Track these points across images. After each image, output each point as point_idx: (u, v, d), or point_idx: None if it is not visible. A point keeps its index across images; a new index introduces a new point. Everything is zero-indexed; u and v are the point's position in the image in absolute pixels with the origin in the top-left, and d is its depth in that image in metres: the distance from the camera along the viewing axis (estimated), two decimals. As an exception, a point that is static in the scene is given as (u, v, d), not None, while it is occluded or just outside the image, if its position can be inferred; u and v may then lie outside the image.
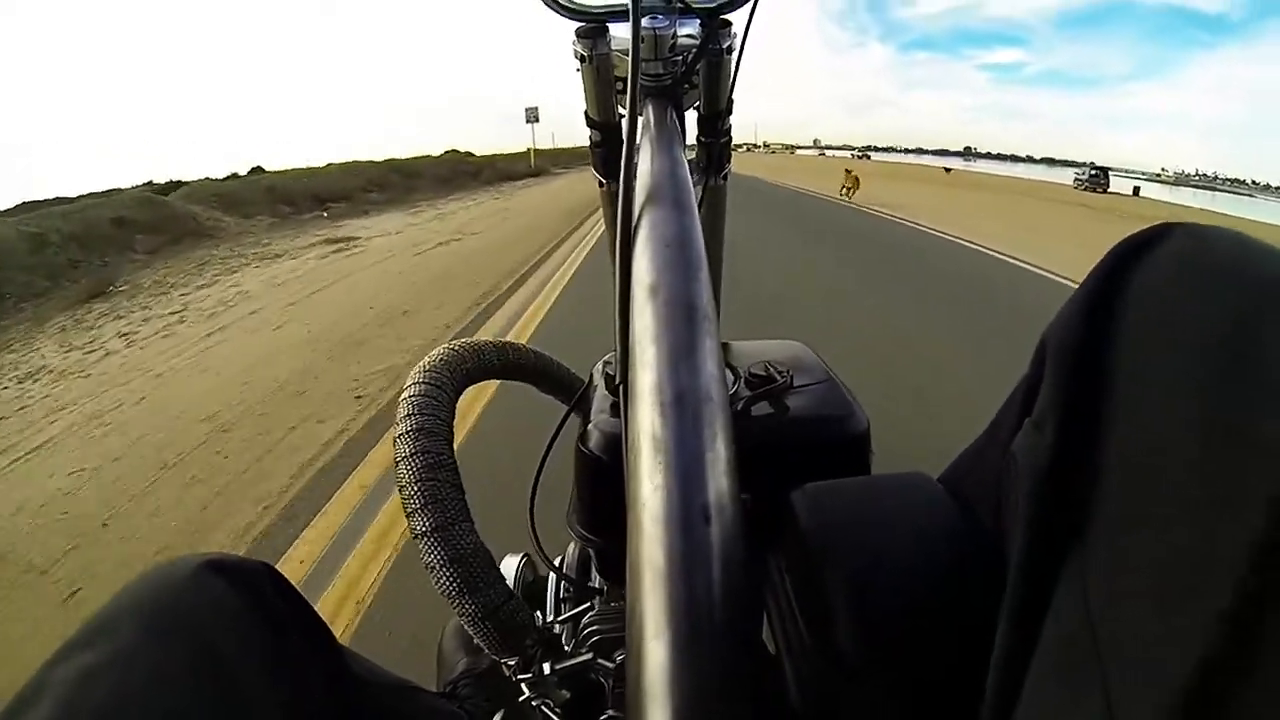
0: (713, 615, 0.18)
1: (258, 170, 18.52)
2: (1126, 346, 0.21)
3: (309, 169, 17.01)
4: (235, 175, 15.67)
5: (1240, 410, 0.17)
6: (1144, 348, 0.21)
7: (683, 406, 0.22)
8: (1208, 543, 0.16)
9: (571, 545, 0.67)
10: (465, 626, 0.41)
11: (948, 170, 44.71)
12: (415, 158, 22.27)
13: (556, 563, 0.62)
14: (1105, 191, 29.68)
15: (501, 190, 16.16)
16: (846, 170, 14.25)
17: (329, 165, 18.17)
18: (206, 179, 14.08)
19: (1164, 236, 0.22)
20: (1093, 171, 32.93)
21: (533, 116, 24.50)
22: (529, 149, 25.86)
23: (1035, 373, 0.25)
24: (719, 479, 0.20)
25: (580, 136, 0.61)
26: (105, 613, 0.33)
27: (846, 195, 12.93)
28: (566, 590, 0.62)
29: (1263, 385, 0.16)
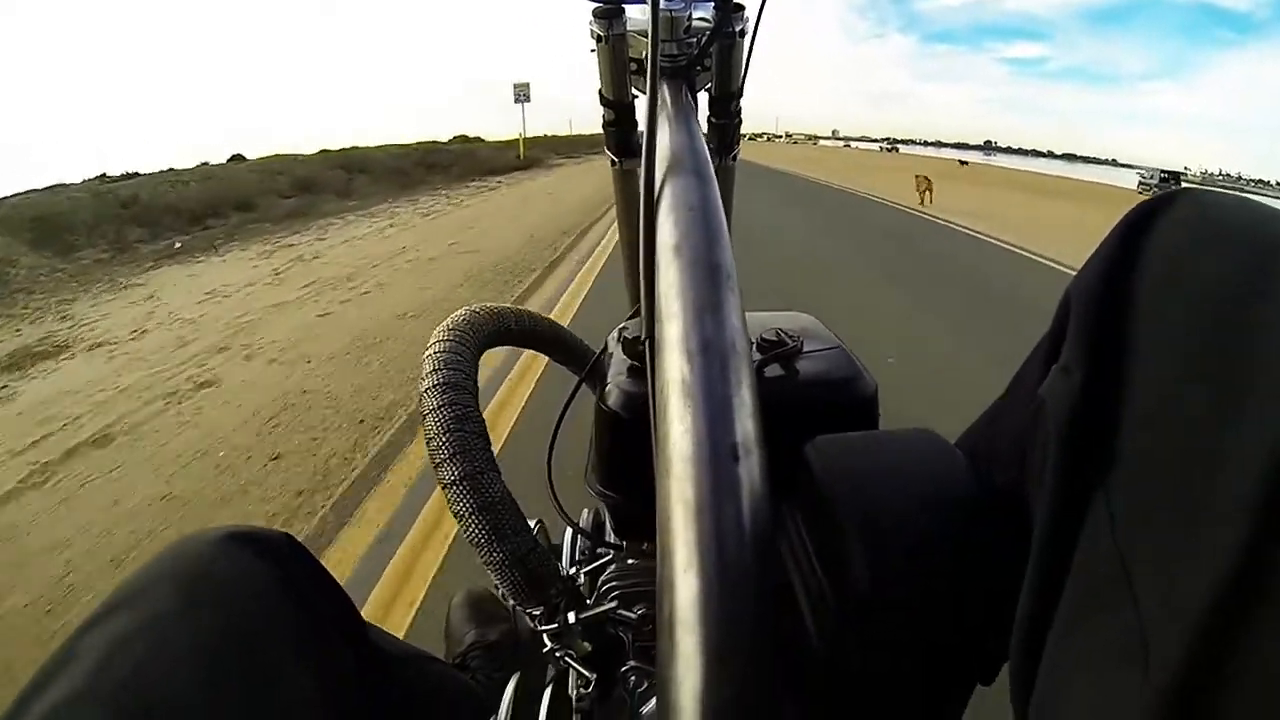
0: (743, 547, 0.18)
1: (238, 158, 14.79)
2: (1143, 299, 0.23)
3: (217, 166, 13.51)
4: (102, 178, 11.68)
5: (1244, 352, 0.19)
6: (1159, 300, 0.22)
7: (709, 355, 0.23)
8: (1224, 474, 0.18)
9: (585, 511, 0.68)
10: (492, 574, 0.42)
11: (963, 163, 39.50)
12: (378, 146, 18.54)
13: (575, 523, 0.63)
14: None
15: (457, 195, 11.54)
16: (919, 176, 11.71)
17: (273, 156, 14.57)
18: (49, 186, 10.57)
19: (1174, 201, 0.24)
20: (1164, 175, 29.25)
21: (522, 95, 19.19)
22: (519, 136, 20.35)
23: (1059, 325, 0.27)
24: (745, 421, 0.21)
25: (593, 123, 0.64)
26: (135, 582, 0.33)
27: (922, 201, 10.97)
28: (583, 551, 0.62)
29: (1263, 329, 0.18)
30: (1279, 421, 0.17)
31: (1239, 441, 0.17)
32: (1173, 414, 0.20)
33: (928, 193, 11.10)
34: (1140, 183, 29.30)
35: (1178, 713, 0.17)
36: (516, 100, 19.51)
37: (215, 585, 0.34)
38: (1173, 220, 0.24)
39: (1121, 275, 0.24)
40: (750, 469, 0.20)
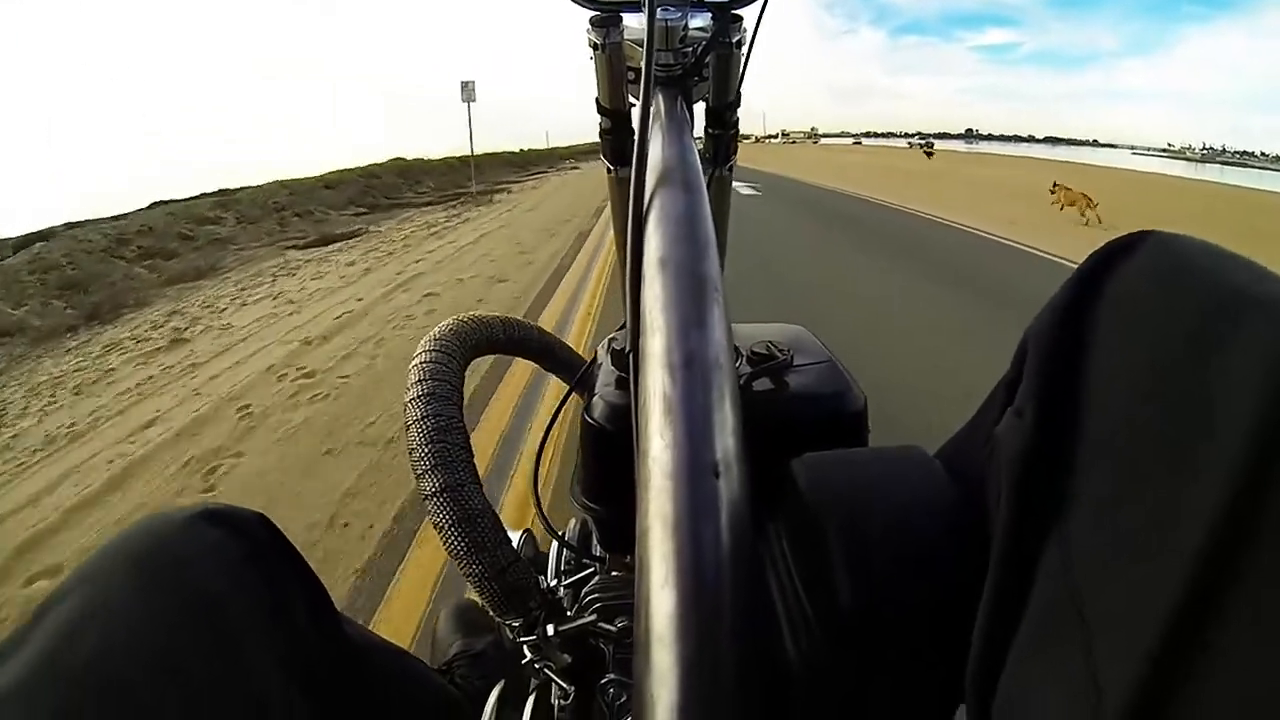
0: (720, 564, 0.18)
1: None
2: (1100, 341, 0.23)
3: None
4: None
5: (1200, 395, 0.18)
6: (1116, 343, 0.22)
7: (692, 369, 0.23)
8: (1177, 514, 0.18)
9: (572, 521, 0.68)
10: (471, 586, 0.41)
11: (929, 153, 30.67)
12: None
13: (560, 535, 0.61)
14: None
15: None
16: (1058, 187, 8.96)
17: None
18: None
19: (1138, 244, 0.24)
20: None
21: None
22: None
23: (1017, 367, 0.27)
24: (727, 438, 0.21)
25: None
26: (94, 561, 0.33)
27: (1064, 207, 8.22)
28: (568, 562, 0.61)
29: (1219, 372, 0.18)
30: (1232, 470, 0.16)
31: (1194, 489, 0.17)
32: (1127, 460, 0.20)
33: (1087, 209, 8.20)
34: None
35: None
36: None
37: (177, 563, 0.33)
38: (1134, 264, 0.23)
39: (1079, 318, 0.24)
40: (731, 486, 0.20)
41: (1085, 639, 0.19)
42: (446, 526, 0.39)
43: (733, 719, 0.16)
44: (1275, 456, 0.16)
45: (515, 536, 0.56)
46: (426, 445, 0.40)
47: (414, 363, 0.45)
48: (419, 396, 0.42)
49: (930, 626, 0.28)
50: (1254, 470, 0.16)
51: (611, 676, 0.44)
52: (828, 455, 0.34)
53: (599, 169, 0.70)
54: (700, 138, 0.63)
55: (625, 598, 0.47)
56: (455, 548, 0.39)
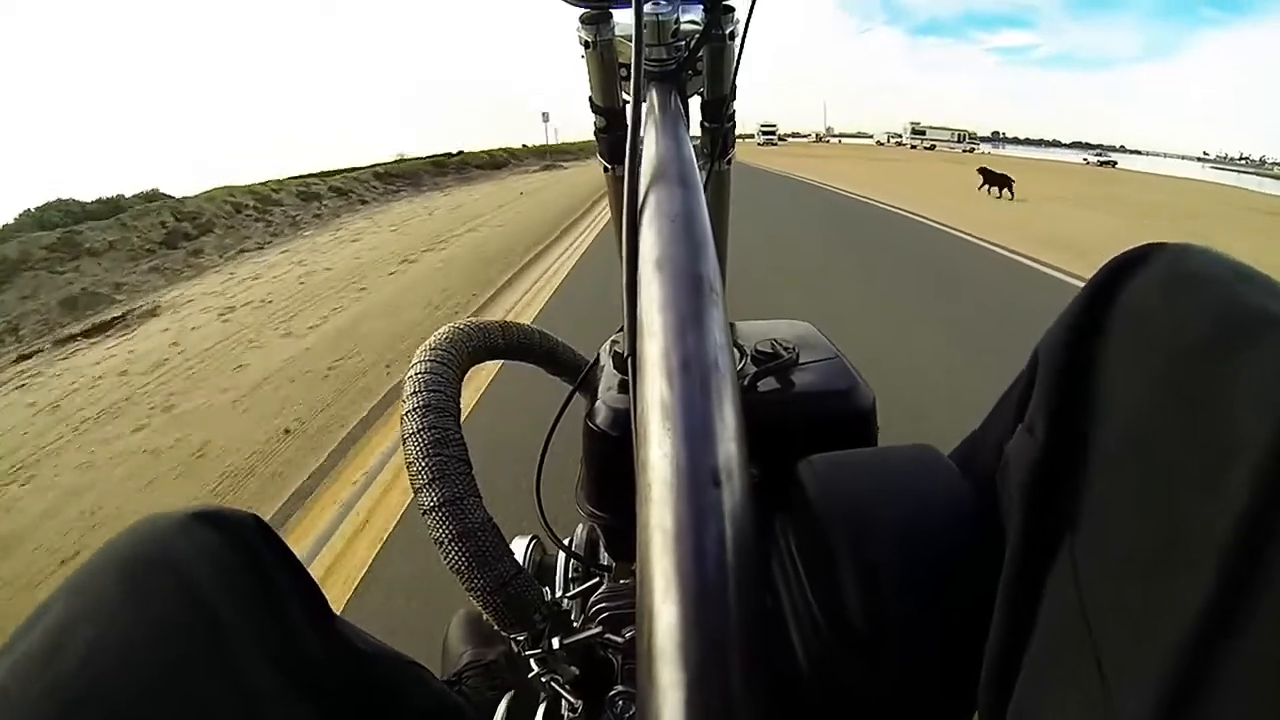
0: (723, 576, 0.17)
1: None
2: (1112, 356, 0.23)
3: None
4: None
5: (1215, 411, 0.18)
6: (1128, 357, 0.22)
7: (690, 374, 0.22)
8: (1190, 528, 0.17)
9: (580, 526, 0.65)
10: (474, 601, 0.40)
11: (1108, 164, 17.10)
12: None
13: (565, 543, 0.59)
14: None
15: None
16: None
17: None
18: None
19: (1150, 256, 0.24)
20: None
21: None
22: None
23: (1028, 380, 0.27)
24: (727, 444, 0.20)
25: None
26: (86, 567, 0.32)
27: None
28: (575, 570, 0.59)
29: (1235, 390, 0.18)
30: (1248, 492, 0.16)
31: (1207, 511, 0.17)
32: (1138, 479, 0.20)
33: None
34: None
35: None
36: None
37: (169, 567, 0.32)
38: (1146, 276, 0.23)
39: (1090, 333, 0.24)
40: (733, 494, 0.19)
41: (1097, 658, 0.19)
42: (446, 541, 0.38)
43: None
44: None
45: (521, 542, 0.56)
46: (424, 459, 0.39)
47: (410, 373, 0.43)
48: (416, 408, 0.41)
49: (943, 637, 0.28)
50: (1270, 492, 0.16)
51: (620, 688, 0.43)
52: (836, 457, 0.34)
53: None
54: (697, 137, 0.62)
55: (632, 607, 0.43)
56: (456, 563, 0.38)
